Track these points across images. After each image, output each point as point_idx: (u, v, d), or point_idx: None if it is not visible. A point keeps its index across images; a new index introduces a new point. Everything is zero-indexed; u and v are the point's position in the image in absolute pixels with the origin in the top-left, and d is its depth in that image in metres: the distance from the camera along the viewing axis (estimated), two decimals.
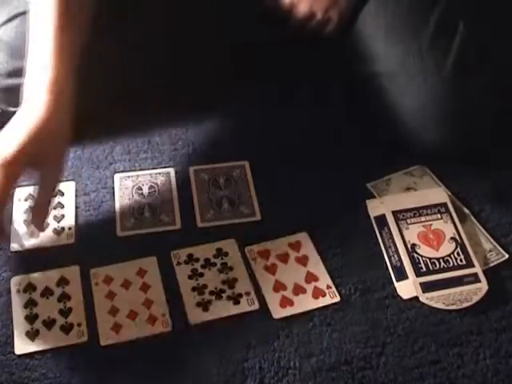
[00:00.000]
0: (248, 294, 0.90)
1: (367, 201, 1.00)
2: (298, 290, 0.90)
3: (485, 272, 0.92)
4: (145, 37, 1.05)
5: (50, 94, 0.84)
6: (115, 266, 0.92)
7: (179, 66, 1.09)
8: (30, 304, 0.88)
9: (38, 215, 0.87)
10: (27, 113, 0.84)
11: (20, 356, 0.84)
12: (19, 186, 1.00)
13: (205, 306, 0.88)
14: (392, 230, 0.96)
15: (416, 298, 0.90)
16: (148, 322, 0.87)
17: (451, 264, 0.93)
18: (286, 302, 0.89)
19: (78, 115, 0.92)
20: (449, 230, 0.96)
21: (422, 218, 0.97)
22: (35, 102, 0.84)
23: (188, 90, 1.09)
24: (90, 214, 0.98)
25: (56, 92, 0.84)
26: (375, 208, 0.99)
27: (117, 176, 1.03)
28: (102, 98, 1.00)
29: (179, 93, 1.09)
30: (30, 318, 0.87)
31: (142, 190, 1.01)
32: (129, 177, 1.03)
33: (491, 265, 0.94)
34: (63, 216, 0.98)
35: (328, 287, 0.91)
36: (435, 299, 0.90)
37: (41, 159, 0.84)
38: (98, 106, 0.98)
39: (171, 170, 1.04)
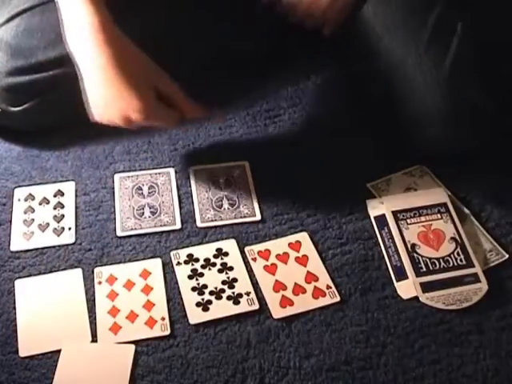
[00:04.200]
0: (248, 294, 0.90)
1: (367, 201, 1.00)
2: (298, 290, 0.90)
3: (485, 272, 0.92)
4: (143, 36, 1.05)
5: (105, 41, 0.86)
6: (119, 265, 0.92)
7: (179, 66, 1.09)
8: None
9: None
10: (100, 69, 0.87)
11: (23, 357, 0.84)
12: (19, 187, 1.01)
13: (205, 306, 0.88)
14: (392, 230, 0.96)
15: (416, 298, 0.90)
16: (147, 325, 0.87)
17: (451, 264, 0.93)
18: (285, 302, 0.89)
19: (77, 115, 0.92)
20: (449, 230, 0.96)
21: (422, 218, 0.97)
22: (94, 58, 0.86)
23: (187, 90, 1.09)
24: (90, 213, 0.98)
25: (109, 36, 0.86)
26: (375, 208, 0.99)
27: (117, 176, 1.03)
28: None
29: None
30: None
31: (141, 189, 1.01)
32: (129, 177, 1.03)
33: (491, 265, 0.94)
34: (63, 216, 0.98)
35: (328, 287, 0.91)
36: (435, 299, 0.90)
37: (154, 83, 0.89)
38: None
39: (171, 170, 1.04)
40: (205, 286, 0.90)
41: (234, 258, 0.93)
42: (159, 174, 1.03)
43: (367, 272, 0.93)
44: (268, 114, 1.12)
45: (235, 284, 0.91)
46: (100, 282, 0.90)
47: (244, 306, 0.89)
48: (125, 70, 0.87)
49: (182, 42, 1.07)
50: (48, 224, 0.96)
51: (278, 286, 0.91)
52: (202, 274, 0.92)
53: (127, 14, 1.00)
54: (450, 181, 1.02)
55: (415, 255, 0.94)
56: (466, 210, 0.99)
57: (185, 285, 0.90)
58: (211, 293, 0.90)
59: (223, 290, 0.90)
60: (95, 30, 0.86)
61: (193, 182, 1.02)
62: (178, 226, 0.97)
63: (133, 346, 0.84)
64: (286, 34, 1.08)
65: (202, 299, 0.89)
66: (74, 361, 0.83)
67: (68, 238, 0.95)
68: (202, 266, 0.92)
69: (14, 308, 0.88)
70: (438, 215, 0.98)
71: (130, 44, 0.90)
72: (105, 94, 0.88)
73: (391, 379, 0.84)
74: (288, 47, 1.13)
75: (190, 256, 0.93)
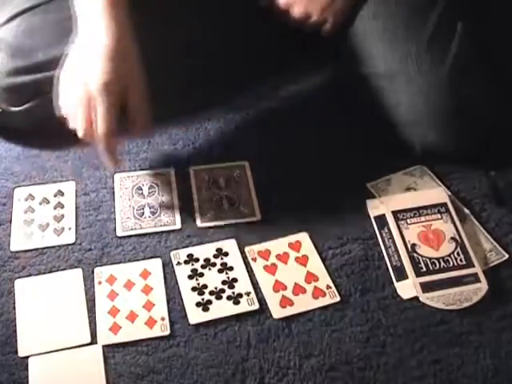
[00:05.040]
0: (248, 294, 0.90)
1: (367, 201, 1.00)
2: (298, 290, 0.90)
3: (485, 272, 0.92)
4: (147, 38, 1.05)
5: (107, 18, 0.87)
6: (119, 265, 0.92)
7: (179, 67, 1.09)
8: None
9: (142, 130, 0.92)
10: (92, 42, 0.88)
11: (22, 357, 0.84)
12: (19, 187, 1.01)
13: (205, 306, 0.88)
14: (392, 230, 0.96)
15: (416, 298, 0.90)
16: (147, 325, 0.87)
17: (451, 264, 0.93)
18: (285, 302, 0.89)
19: None
20: (449, 229, 0.96)
21: (422, 218, 0.97)
22: (95, 30, 0.88)
23: (188, 90, 1.09)
24: (90, 213, 0.98)
25: (113, 16, 0.88)
26: (375, 208, 0.99)
27: (117, 176, 1.03)
28: None
29: (180, 93, 1.09)
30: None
31: (142, 189, 1.01)
32: (129, 177, 1.03)
33: (491, 265, 0.94)
34: (63, 216, 0.98)
35: (328, 287, 0.91)
36: (435, 299, 0.90)
37: (127, 82, 0.88)
38: None
39: (171, 170, 1.04)
40: (205, 286, 0.90)
41: (234, 258, 0.93)
42: (159, 174, 1.03)
43: (367, 272, 0.93)
44: (268, 114, 1.12)
45: (235, 284, 0.91)
46: (100, 282, 0.90)
47: (244, 306, 0.89)
48: (115, 52, 0.87)
49: (184, 51, 1.07)
50: (48, 224, 0.96)
51: (278, 286, 0.91)
52: (202, 274, 0.92)
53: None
54: (450, 181, 1.03)
55: (415, 255, 0.94)
56: (466, 210, 0.99)
57: (185, 285, 0.90)
58: (211, 293, 0.90)
59: (223, 290, 0.90)
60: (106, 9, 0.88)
61: (193, 182, 1.02)
62: (178, 226, 0.97)
63: (99, 346, 0.84)
64: (286, 34, 1.08)
65: (202, 299, 0.89)
66: (44, 373, 0.82)
67: (68, 238, 0.95)
68: (202, 266, 0.92)
69: (14, 308, 0.88)
70: (438, 215, 0.98)
71: (132, 40, 0.90)
72: (81, 58, 0.89)
73: (391, 379, 0.84)
74: (288, 48, 1.13)
75: (190, 256, 0.93)
